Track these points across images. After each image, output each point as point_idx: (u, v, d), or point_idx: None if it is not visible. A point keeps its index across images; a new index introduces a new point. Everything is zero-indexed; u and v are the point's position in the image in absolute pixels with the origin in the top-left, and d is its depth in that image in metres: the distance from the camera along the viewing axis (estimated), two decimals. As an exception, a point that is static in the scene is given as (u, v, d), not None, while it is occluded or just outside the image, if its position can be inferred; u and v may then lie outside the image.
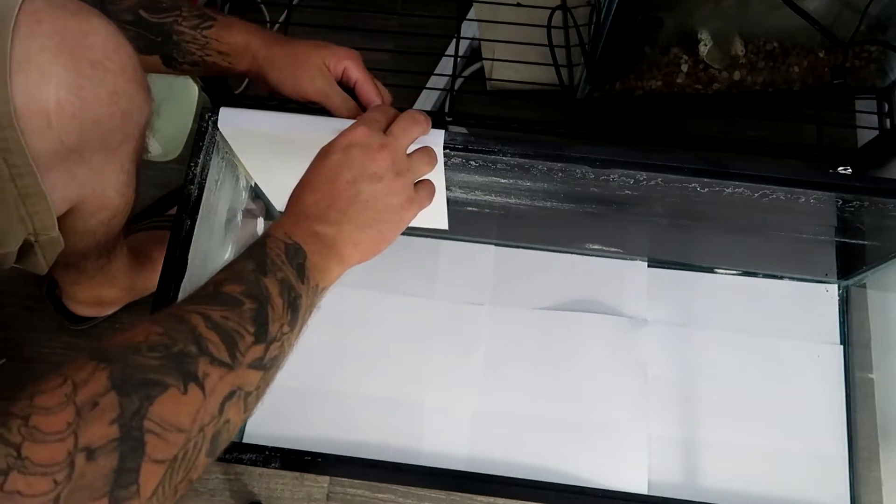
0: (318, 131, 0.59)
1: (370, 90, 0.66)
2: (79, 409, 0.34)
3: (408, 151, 0.55)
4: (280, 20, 1.04)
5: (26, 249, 0.56)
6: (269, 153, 0.70)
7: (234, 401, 0.41)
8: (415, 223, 0.74)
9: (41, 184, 0.50)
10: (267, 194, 0.82)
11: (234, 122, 0.66)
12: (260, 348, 0.43)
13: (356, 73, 0.66)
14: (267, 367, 0.44)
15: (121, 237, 0.74)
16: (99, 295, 0.84)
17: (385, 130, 0.54)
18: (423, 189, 0.56)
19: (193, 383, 0.38)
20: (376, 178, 0.51)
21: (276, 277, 0.46)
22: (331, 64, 0.65)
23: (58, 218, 0.55)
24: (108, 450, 0.34)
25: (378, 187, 0.51)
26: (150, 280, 0.86)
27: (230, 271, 0.46)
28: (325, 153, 0.52)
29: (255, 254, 0.47)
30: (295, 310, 0.47)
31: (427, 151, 0.57)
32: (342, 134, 0.53)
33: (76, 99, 0.48)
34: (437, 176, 0.67)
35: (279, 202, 0.83)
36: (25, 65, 0.46)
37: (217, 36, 0.64)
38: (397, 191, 0.52)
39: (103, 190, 0.58)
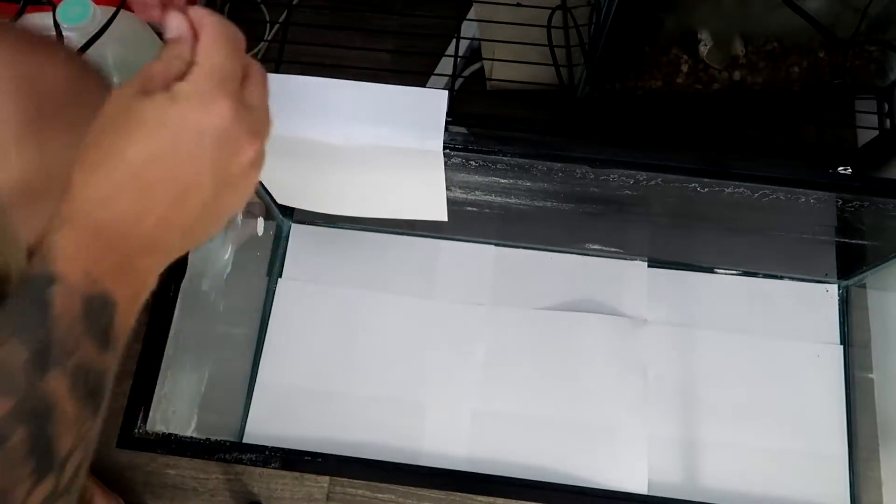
0: (323, 132, 0.59)
1: None
2: None
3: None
4: (280, 20, 1.04)
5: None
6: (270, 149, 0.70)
7: None
8: (415, 215, 0.73)
9: (6, 214, 0.46)
10: (270, 190, 0.82)
11: None
12: (46, 485, 0.30)
13: None
14: (67, 490, 0.32)
15: None
16: None
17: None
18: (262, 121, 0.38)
19: None
20: (241, 176, 0.36)
21: (67, 369, 0.31)
22: None
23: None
24: None
25: (241, 185, 0.37)
26: None
27: None
28: (164, 127, 0.34)
29: (28, 326, 0.31)
30: (97, 392, 0.33)
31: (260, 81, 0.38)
32: (196, 106, 0.34)
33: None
34: (437, 171, 0.67)
35: (282, 198, 0.83)
36: None
37: None
38: (257, 166, 0.37)
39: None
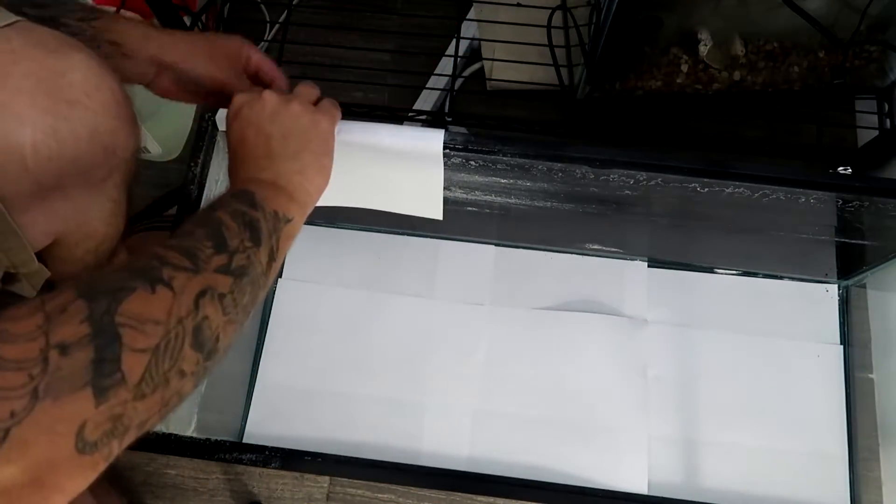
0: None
1: (275, 72, 0.66)
2: (47, 315, 0.35)
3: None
4: (280, 20, 1.04)
5: (10, 276, 0.55)
6: None
7: (207, 298, 0.42)
8: (411, 211, 0.73)
9: (10, 222, 0.49)
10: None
11: None
12: (222, 257, 0.45)
13: (259, 58, 0.65)
14: (236, 274, 0.45)
15: (119, 248, 0.73)
16: None
17: None
18: (323, 103, 0.59)
19: (161, 284, 0.40)
20: (274, 114, 0.55)
21: (227, 210, 0.48)
22: (239, 53, 0.64)
23: (43, 248, 0.54)
24: (81, 345, 0.35)
25: (281, 119, 0.55)
26: None
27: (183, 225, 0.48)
28: (227, 133, 0.57)
29: (204, 207, 0.49)
30: (254, 230, 0.48)
31: (302, 84, 0.60)
32: (228, 112, 0.57)
33: (53, 142, 0.47)
34: (436, 168, 0.66)
35: None
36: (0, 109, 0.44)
37: (105, 27, 0.61)
38: (299, 112, 0.56)
39: (88, 222, 0.57)
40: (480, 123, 0.92)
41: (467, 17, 1.00)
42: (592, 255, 0.92)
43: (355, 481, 0.84)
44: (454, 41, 0.95)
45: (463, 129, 0.93)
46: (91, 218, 0.57)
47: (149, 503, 0.84)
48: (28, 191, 0.48)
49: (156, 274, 0.40)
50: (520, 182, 0.71)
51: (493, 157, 0.65)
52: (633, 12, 0.77)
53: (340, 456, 0.70)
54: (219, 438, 0.66)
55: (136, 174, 0.60)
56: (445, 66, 0.98)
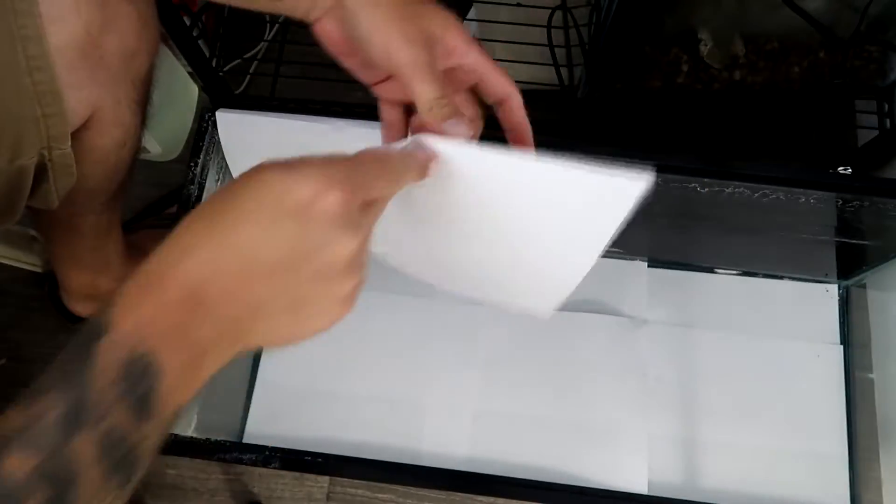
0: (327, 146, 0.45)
1: (502, 83, 0.43)
2: None
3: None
4: (280, 20, 1.04)
5: (39, 175, 0.55)
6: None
7: None
8: (516, 306, 0.54)
9: (56, 80, 0.50)
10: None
11: (232, 129, 0.64)
12: None
13: (480, 60, 0.43)
14: None
15: (119, 206, 0.72)
16: (94, 283, 0.83)
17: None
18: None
19: None
20: (330, 274, 0.33)
21: (96, 433, 0.29)
22: (445, 35, 0.41)
23: (73, 139, 0.54)
24: None
25: (325, 285, 0.33)
26: None
27: (28, 416, 0.29)
28: (267, 199, 0.32)
29: (72, 379, 0.29)
30: (128, 465, 0.30)
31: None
32: (308, 178, 0.32)
33: None
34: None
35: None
36: None
37: None
38: (348, 285, 0.34)
39: (119, 101, 0.58)
40: (480, 123, 0.92)
41: (467, 17, 1.00)
42: (592, 255, 0.91)
43: (355, 481, 0.84)
44: (454, 41, 0.95)
45: (463, 129, 0.93)
46: (122, 97, 0.58)
47: (149, 503, 0.84)
48: (78, 39, 0.50)
49: None
50: (520, 182, 0.71)
51: (493, 157, 0.65)
52: (633, 12, 0.77)
53: (340, 456, 0.70)
54: (219, 438, 0.66)
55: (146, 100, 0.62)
56: (445, 66, 0.98)
